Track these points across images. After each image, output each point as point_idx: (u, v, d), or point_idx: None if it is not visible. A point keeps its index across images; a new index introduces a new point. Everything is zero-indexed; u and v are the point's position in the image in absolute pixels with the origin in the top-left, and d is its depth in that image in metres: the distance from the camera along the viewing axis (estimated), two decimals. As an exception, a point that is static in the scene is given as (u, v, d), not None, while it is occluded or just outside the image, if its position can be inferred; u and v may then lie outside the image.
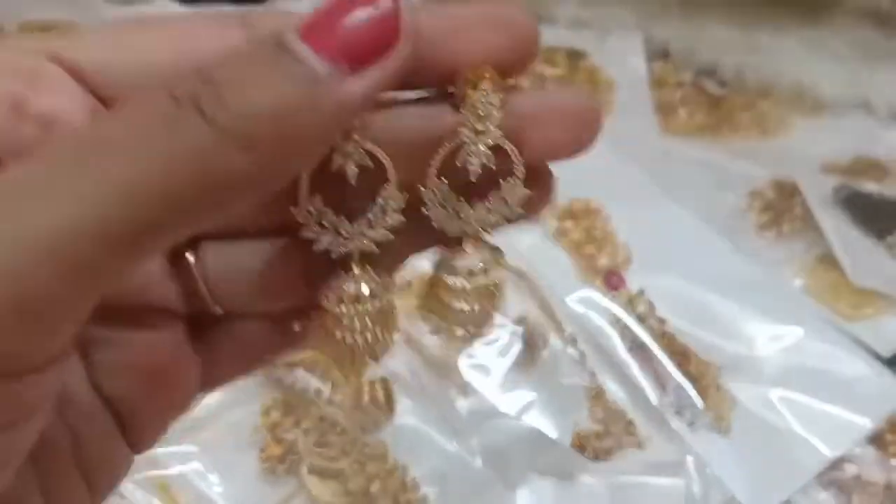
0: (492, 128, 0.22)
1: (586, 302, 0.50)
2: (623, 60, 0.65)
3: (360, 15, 0.19)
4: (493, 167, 0.22)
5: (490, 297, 0.24)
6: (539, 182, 0.23)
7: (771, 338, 0.49)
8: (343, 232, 0.23)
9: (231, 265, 0.24)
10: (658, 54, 0.65)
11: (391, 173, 0.23)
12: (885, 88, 0.62)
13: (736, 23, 0.64)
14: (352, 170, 0.22)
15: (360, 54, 0.19)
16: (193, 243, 0.25)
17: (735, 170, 0.59)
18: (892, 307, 0.51)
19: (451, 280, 0.23)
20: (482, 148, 0.22)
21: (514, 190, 0.23)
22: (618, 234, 0.53)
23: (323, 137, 0.20)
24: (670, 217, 0.55)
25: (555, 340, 0.48)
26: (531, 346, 0.48)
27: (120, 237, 0.18)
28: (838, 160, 0.60)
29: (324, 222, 0.23)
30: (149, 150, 0.18)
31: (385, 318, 0.24)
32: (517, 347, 0.47)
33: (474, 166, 0.22)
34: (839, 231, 0.54)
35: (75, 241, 0.17)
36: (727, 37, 0.64)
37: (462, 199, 0.23)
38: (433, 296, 0.24)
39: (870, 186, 0.58)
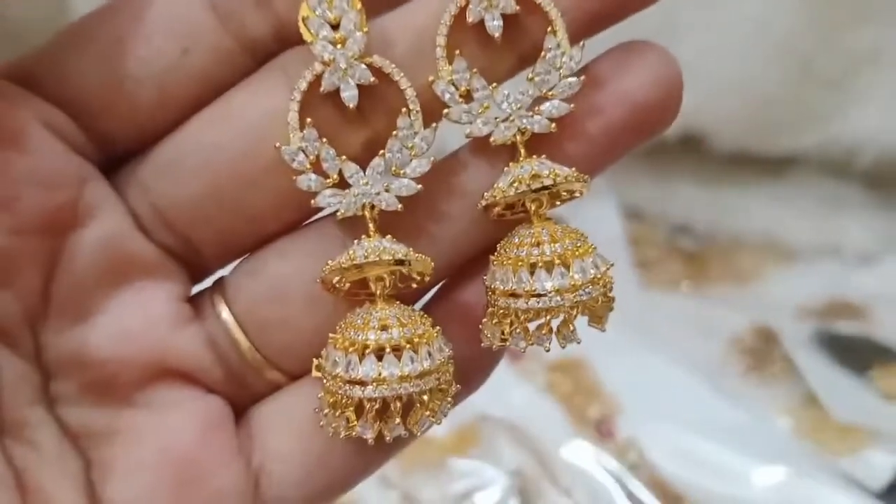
0: None
1: (580, 452, 0.51)
2: (600, 222, 0.68)
3: None
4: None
5: None
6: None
7: (761, 477, 0.49)
8: (353, 181, 0.17)
9: (274, 293, 0.20)
10: (632, 216, 0.69)
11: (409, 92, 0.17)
12: (849, 233, 0.65)
13: (703, 183, 0.69)
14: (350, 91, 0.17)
15: None
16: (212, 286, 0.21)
17: (714, 319, 0.61)
18: (878, 440, 0.52)
19: None
20: None
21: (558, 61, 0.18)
22: (605, 384, 0.55)
23: None
24: (655, 366, 0.57)
25: (551, 492, 0.49)
26: (526, 498, 0.48)
27: None
28: (813, 304, 0.63)
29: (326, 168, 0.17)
30: None
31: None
32: (513, 502, 0.48)
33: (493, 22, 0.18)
34: (819, 371, 0.56)
35: None
36: (696, 196, 0.68)
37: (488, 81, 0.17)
38: None
39: (846, 327, 0.60)
